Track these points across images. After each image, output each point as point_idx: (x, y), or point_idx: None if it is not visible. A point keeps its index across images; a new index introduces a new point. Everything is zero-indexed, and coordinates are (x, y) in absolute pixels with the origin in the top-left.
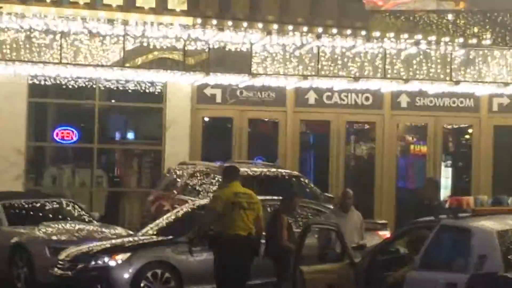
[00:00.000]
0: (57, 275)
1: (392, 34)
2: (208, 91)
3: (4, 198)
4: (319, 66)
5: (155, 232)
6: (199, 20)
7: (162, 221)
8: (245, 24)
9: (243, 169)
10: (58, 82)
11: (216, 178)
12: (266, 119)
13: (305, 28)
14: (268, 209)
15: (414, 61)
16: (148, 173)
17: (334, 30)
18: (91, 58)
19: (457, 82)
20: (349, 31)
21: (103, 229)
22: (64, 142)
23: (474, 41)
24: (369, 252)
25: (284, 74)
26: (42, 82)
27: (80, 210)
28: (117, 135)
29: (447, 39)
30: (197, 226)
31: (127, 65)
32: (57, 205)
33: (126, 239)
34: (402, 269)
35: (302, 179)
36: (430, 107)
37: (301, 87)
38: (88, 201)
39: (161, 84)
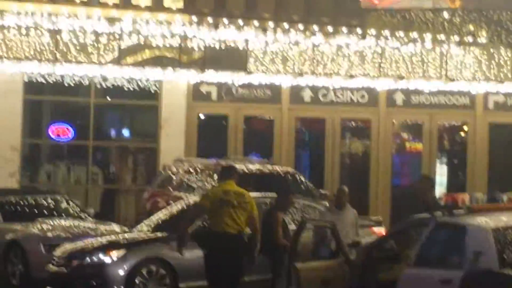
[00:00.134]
0: (52, 271)
1: (388, 32)
2: (203, 89)
3: None
4: (315, 64)
5: (150, 229)
6: (195, 18)
7: (157, 217)
8: (241, 21)
9: (238, 166)
10: (53, 79)
11: (211, 175)
12: (261, 117)
13: (301, 26)
14: (263, 206)
15: (410, 59)
16: (144, 170)
17: (330, 28)
18: (86, 55)
19: (452, 80)
20: (344, 29)
21: (98, 226)
22: (59, 139)
23: (469, 39)
24: (364, 249)
25: (280, 72)
26: (38, 80)
27: (75, 207)
28: (113, 132)
29: (442, 37)
30: (180, 223)
31: (123, 62)
32: (52, 202)
33: (121, 236)
34: (397, 266)
35: (297, 176)
36: (426, 105)
37: (297, 84)
38: (83, 198)
39: (156, 82)
